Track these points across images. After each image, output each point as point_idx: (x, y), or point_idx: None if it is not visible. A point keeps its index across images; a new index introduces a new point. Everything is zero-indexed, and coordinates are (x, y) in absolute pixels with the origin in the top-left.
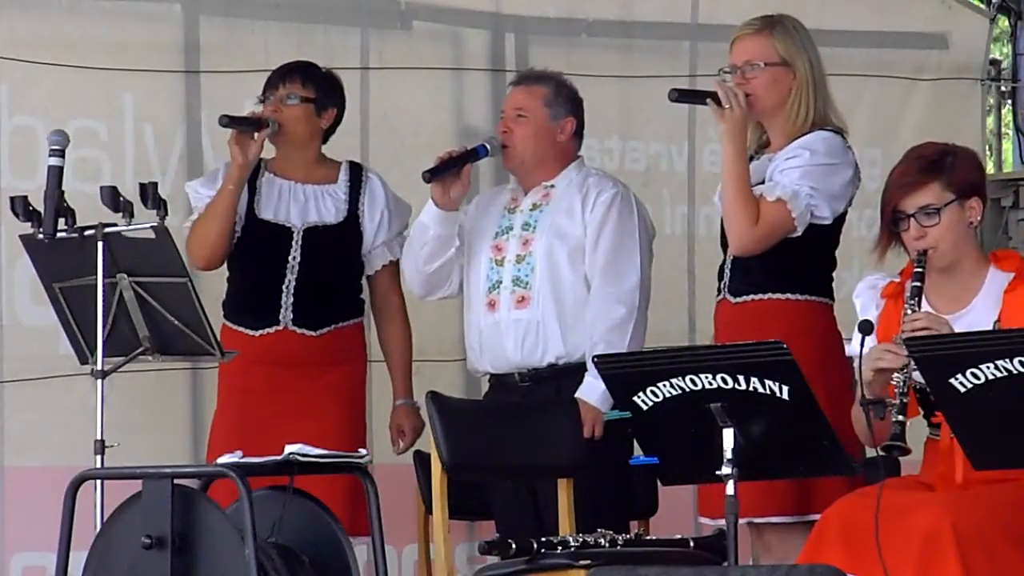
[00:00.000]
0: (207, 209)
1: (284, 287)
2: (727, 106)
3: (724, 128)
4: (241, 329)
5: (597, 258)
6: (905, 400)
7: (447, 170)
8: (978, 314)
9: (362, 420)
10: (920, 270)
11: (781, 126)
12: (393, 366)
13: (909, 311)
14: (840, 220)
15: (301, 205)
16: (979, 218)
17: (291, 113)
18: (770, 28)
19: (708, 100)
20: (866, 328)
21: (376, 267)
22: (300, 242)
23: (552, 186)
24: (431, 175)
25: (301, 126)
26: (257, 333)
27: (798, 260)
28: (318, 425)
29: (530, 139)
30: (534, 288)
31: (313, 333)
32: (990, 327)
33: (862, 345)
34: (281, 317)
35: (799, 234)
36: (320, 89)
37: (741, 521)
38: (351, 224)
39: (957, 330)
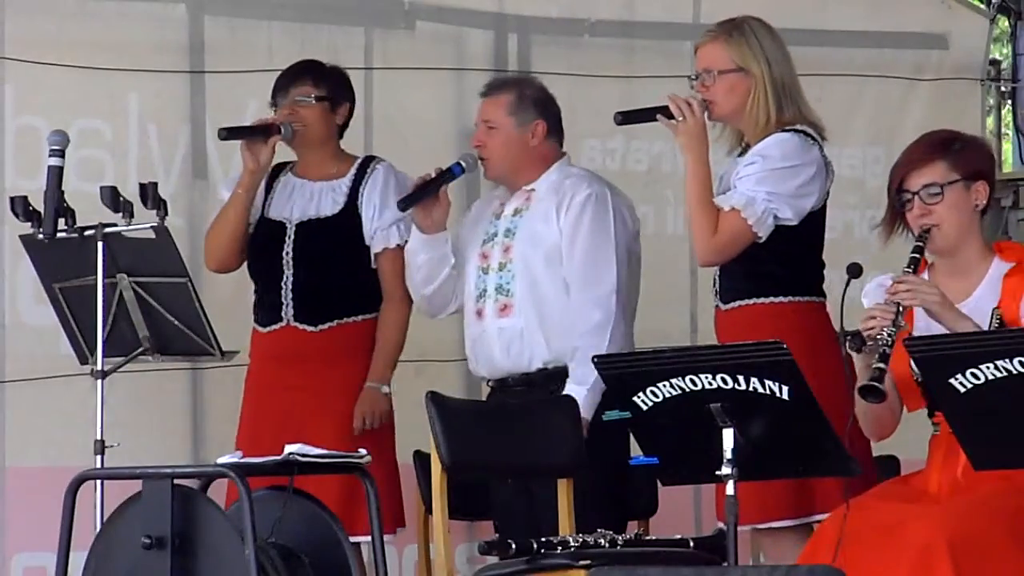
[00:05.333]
0: (219, 214)
1: (283, 283)
2: (680, 118)
3: (681, 140)
4: (256, 327)
5: (574, 263)
6: (888, 350)
7: (421, 197)
8: (978, 303)
9: None
10: (920, 244)
11: (749, 130)
12: (376, 348)
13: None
14: (815, 217)
15: (305, 201)
16: (985, 202)
17: (308, 114)
18: (726, 34)
19: (657, 116)
20: (855, 271)
21: (376, 253)
22: (292, 237)
23: (533, 190)
24: (404, 204)
25: (319, 125)
26: (266, 330)
27: (779, 263)
28: (322, 422)
29: (501, 149)
30: (516, 296)
31: (313, 328)
32: (989, 314)
33: (847, 286)
34: (283, 313)
35: (763, 239)
36: (332, 86)
37: (742, 528)
38: (348, 215)
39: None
